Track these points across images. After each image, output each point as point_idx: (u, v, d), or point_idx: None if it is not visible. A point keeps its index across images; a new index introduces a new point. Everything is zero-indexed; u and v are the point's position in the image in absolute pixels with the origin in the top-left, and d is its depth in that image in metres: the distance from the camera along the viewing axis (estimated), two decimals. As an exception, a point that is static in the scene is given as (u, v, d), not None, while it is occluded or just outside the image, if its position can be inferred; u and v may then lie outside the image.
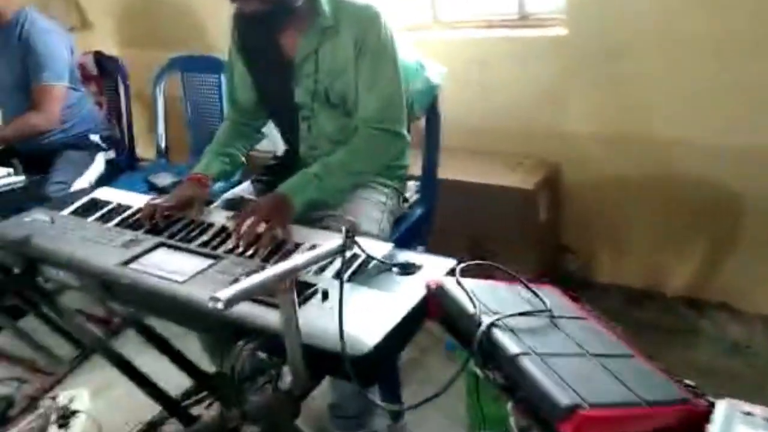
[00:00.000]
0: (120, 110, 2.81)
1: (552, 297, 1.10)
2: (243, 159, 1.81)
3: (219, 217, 1.53)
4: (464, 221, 2.20)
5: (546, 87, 2.17)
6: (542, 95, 2.19)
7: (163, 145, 2.74)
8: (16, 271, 1.48)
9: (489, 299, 1.02)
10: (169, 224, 1.51)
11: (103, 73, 2.81)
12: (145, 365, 1.77)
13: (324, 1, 1.55)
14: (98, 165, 2.56)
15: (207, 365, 1.78)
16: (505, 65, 2.22)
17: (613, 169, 2.20)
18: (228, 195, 1.82)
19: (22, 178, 1.72)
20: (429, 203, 1.92)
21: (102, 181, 2.54)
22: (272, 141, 2.00)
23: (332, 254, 1.10)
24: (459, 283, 1.05)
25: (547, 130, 2.23)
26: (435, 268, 1.20)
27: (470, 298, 1.00)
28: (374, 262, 1.23)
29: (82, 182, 2.42)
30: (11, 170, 2.04)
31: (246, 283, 0.95)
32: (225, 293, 0.91)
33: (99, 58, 2.79)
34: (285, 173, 1.79)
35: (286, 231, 1.39)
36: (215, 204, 1.79)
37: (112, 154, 2.63)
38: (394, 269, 1.22)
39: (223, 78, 2.51)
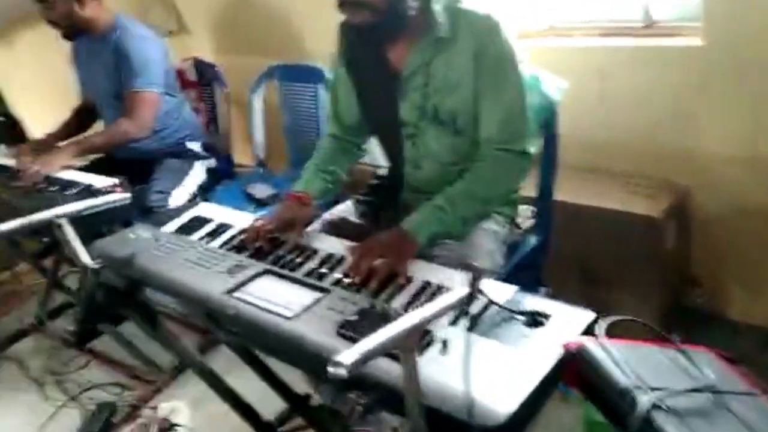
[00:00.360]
0: (218, 117, 2.82)
1: (711, 364, 0.96)
2: (344, 176, 1.73)
3: (323, 242, 1.47)
4: (576, 247, 2.03)
5: (674, 102, 1.97)
6: (670, 111, 1.99)
7: (260, 154, 2.71)
8: (119, 288, 1.48)
9: (640, 368, 0.89)
10: (273, 247, 1.46)
11: (202, 79, 2.82)
12: (240, 381, 1.75)
13: (439, 10, 1.44)
14: (198, 173, 2.54)
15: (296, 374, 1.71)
16: (627, 77, 2.04)
17: (749, 195, 1.97)
18: (329, 216, 1.74)
19: (127, 195, 1.70)
20: (545, 231, 1.78)
21: (202, 189, 2.55)
22: (374, 156, 1.90)
23: (459, 305, 1.00)
24: (603, 346, 0.92)
25: (675, 150, 2.03)
26: (567, 320, 1.07)
27: (619, 368, 0.87)
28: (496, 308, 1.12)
29: (182, 191, 2.42)
30: (116, 180, 2.04)
31: (370, 343, 0.86)
32: (348, 357, 0.82)
33: (198, 64, 2.80)
34: (388, 194, 1.73)
35: (403, 269, 1.29)
36: (315, 224, 1.74)
37: (212, 162, 2.62)
38: (520, 318, 1.10)
39: (321, 87, 2.46)
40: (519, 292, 1.18)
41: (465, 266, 1.09)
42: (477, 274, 1.01)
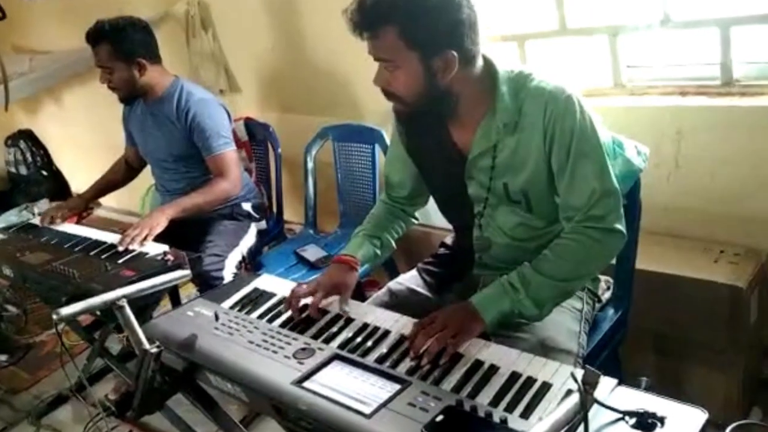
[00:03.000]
0: (269, 177, 2.78)
1: None
2: (394, 244, 1.66)
3: (391, 322, 1.36)
4: (650, 316, 1.89)
5: (757, 165, 1.85)
6: (752, 175, 1.87)
7: (311, 214, 2.65)
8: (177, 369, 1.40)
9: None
10: (331, 323, 1.38)
11: (252, 138, 2.79)
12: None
13: (504, 90, 1.35)
14: (251, 236, 2.49)
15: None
16: (704, 138, 1.92)
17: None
18: (394, 285, 1.65)
19: (188, 272, 1.64)
20: (626, 304, 1.65)
21: (252, 252, 2.48)
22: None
23: (572, 417, 0.88)
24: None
25: (758, 216, 1.90)
26: (681, 422, 0.95)
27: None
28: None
29: (236, 255, 2.36)
30: (167, 247, 1.99)
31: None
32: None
33: (249, 123, 2.77)
34: (455, 265, 1.64)
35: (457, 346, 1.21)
36: (380, 292, 1.65)
37: (262, 224, 2.57)
38: (628, 419, 0.98)
39: (377, 148, 2.40)
40: (620, 386, 1.06)
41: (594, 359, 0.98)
42: (592, 380, 0.89)
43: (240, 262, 2.40)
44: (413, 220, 1.71)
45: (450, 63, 1.28)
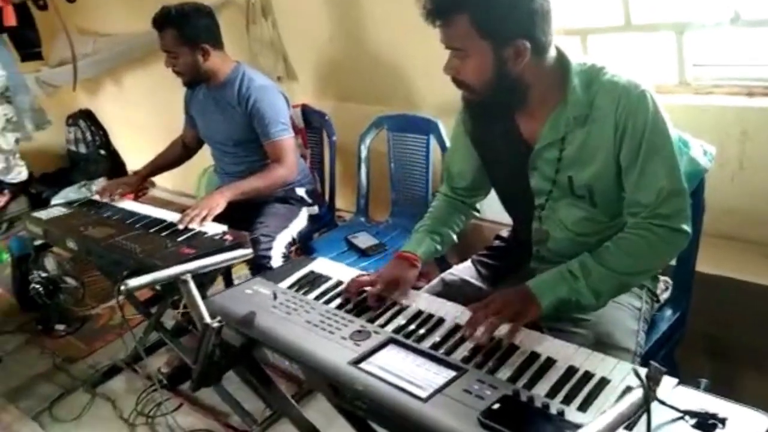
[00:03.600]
0: (323, 164, 2.81)
1: None
2: (455, 238, 1.66)
3: (446, 309, 1.37)
4: (708, 320, 1.86)
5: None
6: (821, 179, 1.82)
7: (363, 202, 2.67)
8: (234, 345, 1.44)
9: None
10: (386, 309, 1.40)
11: (308, 126, 2.82)
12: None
13: (576, 82, 1.34)
14: (302, 219, 2.53)
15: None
16: (772, 140, 1.88)
17: None
18: (448, 276, 1.66)
19: (249, 251, 1.68)
20: (684, 305, 1.63)
21: (303, 236, 2.52)
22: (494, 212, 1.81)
23: (633, 412, 0.88)
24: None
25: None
26: (743, 425, 0.94)
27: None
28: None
29: (285, 236, 2.40)
30: (225, 228, 2.04)
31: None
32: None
33: (306, 110, 2.81)
34: (511, 258, 1.64)
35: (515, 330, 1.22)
36: (433, 282, 1.66)
37: (315, 209, 2.60)
38: (688, 419, 0.97)
39: (432, 139, 2.41)
40: (679, 386, 1.05)
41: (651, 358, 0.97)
42: (656, 376, 0.89)
43: (289, 245, 2.44)
44: (474, 213, 1.71)
45: (521, 52, 1.28)
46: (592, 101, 1.33)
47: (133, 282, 1.36)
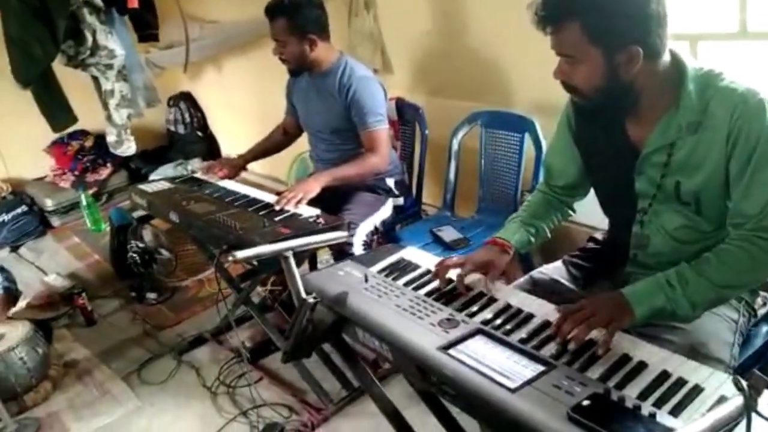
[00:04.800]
0: (412, 157, 2.85)
1: None
2: (548, 233, 1.66)
3: (534, 305, 1.38)
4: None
5: None
6: None
7: (449, 197, 2.69)
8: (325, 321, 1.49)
9: None
10: (474, 300, 1.42)
11: (401, 118, 2.87)
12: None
13: (691, 88, 1.31)
14: (387, 209, 2.58)
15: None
16: None
17: None
18: (538, 274, 1.66)
19: (346, 233, 1.74)
20: (783, 322, 1.56)
21: (386, 225, 2.57)
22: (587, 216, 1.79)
23: (730, 421, 0.87)
24: None
25: None
26: None
27: None
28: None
29: (368, 224, 2.46)
30: (318, 211, 2.11)
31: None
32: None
33: (400, 103, 2.85)
34: (604, 261, 1.63)
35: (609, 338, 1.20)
36: (521, 280, 1.66)
37: (400, 200, 2.65)
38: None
39: (526, 137, 2.40)
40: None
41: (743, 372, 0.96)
42: (759, 386, 0.87)
43: (371, 233, 2.49)
44: (570, 212, 1.70)
45: (634, 58, 1.26)
46: (705, 107, 1.30)
47: (240, 254, 1.44)
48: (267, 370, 2.57)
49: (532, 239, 1.62)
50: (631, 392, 1.09)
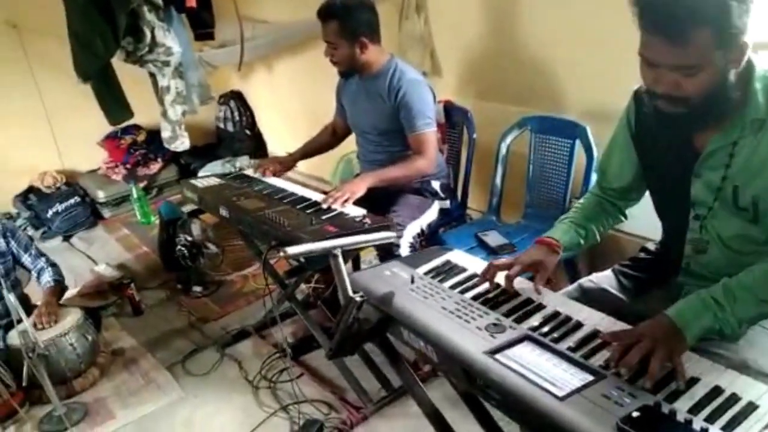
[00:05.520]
0: (459, 160, 2.84)
1: None
2: (599, 237, 1.63)
3: (584, 314, 1.36)
4: None
5: None
6: None
7: (495, 201, 2.68)
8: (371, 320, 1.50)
9: None
10: (522, 306, 1.41)
11: (448, 121, 2.86)
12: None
13: (758, 87, 1.27)
14: (433, 212, 2.58)
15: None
16: None
17: None
18: (586, 282, 1.64)
19: (394, 234, 1.75)
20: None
21: (431, 228, 2.57)
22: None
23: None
24: None
25: None
26: None
27: None
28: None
29: (415, 226, 2.46)
30: (364, 211, 2.13)
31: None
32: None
33: (448, 106, 2.85)
34: (657, 271, 1.59)
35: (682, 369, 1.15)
36: (569, 288, 1.65)
37: (446, 203, 2.64)
38: None
39: (577, 144, 2.37)
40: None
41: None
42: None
43: (418, 235, 2.49)
44: (622, 218, 1.67)
45: (744, 52, 1.21)
46: None
47: (291, 249, 1.46)
48: (308, 367, 2.60)
49: (582, 241, 1.59)
50: (682, 406, 1.07)
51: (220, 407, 2.47)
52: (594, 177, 2.26)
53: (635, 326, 1.26)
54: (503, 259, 1.50)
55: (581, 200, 1.70)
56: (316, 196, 2.33)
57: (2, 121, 4.33)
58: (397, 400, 2.33)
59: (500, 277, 1.48)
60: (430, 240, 2.59)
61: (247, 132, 5.02)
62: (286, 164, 2.80)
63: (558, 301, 1.44)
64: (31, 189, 4.53)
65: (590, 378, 1.15)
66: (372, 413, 2.29)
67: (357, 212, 2.13)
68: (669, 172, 1.47)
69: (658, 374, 1.13)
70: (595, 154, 2.29)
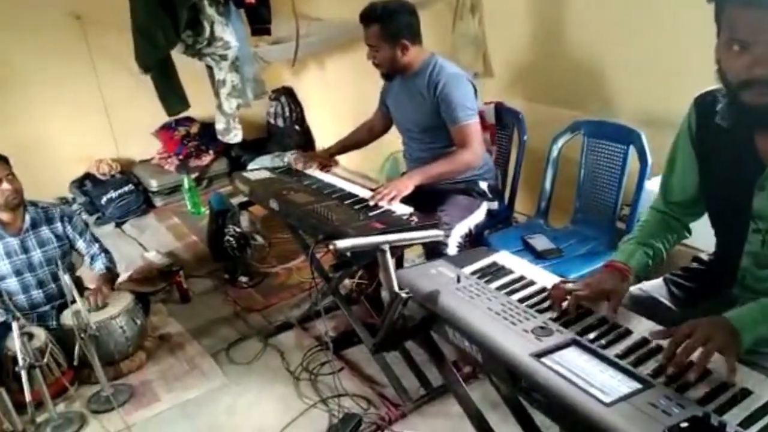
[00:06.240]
0: (507, 162, 2.83)
1: None
2: (665, 254, 1.58)
3: (633, 322, 1.34)
4: None
5: None
6: None
7: (544, 205, 2.65)
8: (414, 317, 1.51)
9: None
10: (579, 315, 1.38)
11: (498, 123, 2.85)
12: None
13: None
14: (481, 213, 2.57)
15: None
16: None
17: None
18: (636, 291, 1.61)
19: (441, 233, 1.76)
20: None
21: (477, 229, 2.56)
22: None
23: None
24: None
25: None
26: None
27: None
28: None
29: (463, 227, 2.46)
30: (411, 209, 2.14)
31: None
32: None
33: (499, 108, 2.83)
34: (710, 282, 1.55)
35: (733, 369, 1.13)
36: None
37: (494, 204, 2.63)
38: None
39: (630, 150, 2.33)
40: None
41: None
42: None
43: (465, 236, 2.48)
44: (686, 234, 1.61)
45: None
46: None
47: (340, 243, 1.48)
48: (348, 361, 2.62)
49: (650, 262, 1.54)
50: (732, 419, 1.05)
51: (262, 396, 2.52)
52: (648, 184, 2.23)
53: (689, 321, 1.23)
54: (570, 285, 1.43)
55: (644, 218, 1.65)
56: (364, 193, 2.35)
57: (63, 109, 4.49)
58: (436, 400, 2.33)
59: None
60: (476, 241, 2.58)
61: (296, 128, 5.08)
62: (322, 159, 2.85)
63: (606, 307, 1.42)
64: (88, 176, 4.68)
65: (638, 386, 1.13)
66: (411, 411, 2.30)
67: (404, 210, 2.14)
68: (730, 183, 1.43)
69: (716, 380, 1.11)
70: (650, 160, 2.24)
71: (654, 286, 1.62)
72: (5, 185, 2.65)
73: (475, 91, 2.53)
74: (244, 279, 3.42)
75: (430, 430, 2.21)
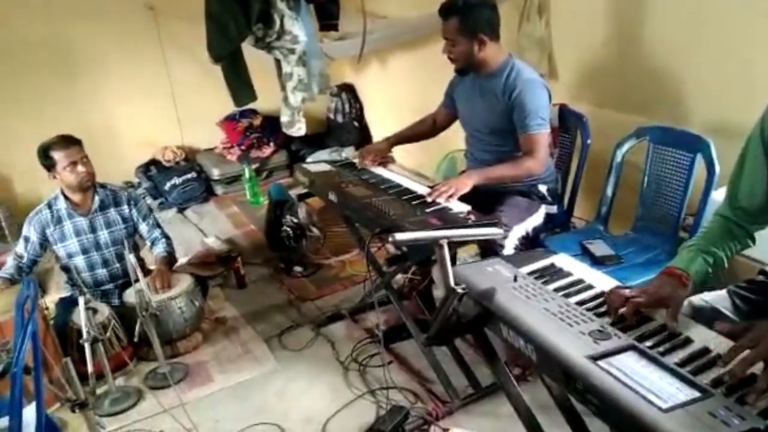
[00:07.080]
0: (568, 166, 2.79)
1: None
2: (726, 263, 1.53)
3: (694, 331, 1.32)
4: None
5: None
6: None
7: (604, 210, 2.61)
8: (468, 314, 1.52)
9: None
10: (637, 321, 1.36)
11: (561, 125, 2.82)
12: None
13: None
14: (539, 216, 2.55)
15: None
16: None
17: None
18: (697, 300, 1.57)
19: (501, 231, 1.77)
20: None
21: (535, 232, 2.54)
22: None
23: None
24: None
25: None
26: None
27: None
28: None
29: (520, 229, 2.44)
30: (469, 207, 2.14)
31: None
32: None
33: (563, 110, 2.80)
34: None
35: None
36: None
37: (553, 208, 2.61)
38: None
39: (698, 159, 2.27)
40: None
41: None
42: None
43: (523, 238, 2.46)
44: (750, 242, 1.56)
45: None
46: None
47: (399, 236, 1.50)
48: (397, 355, 2.65)
49: (710, 269, 1.49)
50: (796, 433, 1.02)
51: (311, 383, 2.56)
52: (714, 194, 2.17)
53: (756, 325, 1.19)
54: (627, 291, 1.41)
55: (707, 224, 1.60)
56: (422, 189, 2.37)
57: (132, 97, 4.67)
58: (484, 399, 2.33)
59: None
60: (533, 245, 2.56)
61: (355, 124, 5.14)
62: (383, 150, 2.86)
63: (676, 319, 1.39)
64: (153, 161, 4.86)
65: (697, 394, 1.11)
66: (457, 409, 2.30)
67: (461, 208, 2.14)
68: None
69: None
70: (718, 170, 2.18)
71: (717, 297, 1.58)
72: (80, 168, 2.77)
73: (550, 96, 2.51)
74: (298, 269, 3.49)
75: (477, 429, 2.21)
